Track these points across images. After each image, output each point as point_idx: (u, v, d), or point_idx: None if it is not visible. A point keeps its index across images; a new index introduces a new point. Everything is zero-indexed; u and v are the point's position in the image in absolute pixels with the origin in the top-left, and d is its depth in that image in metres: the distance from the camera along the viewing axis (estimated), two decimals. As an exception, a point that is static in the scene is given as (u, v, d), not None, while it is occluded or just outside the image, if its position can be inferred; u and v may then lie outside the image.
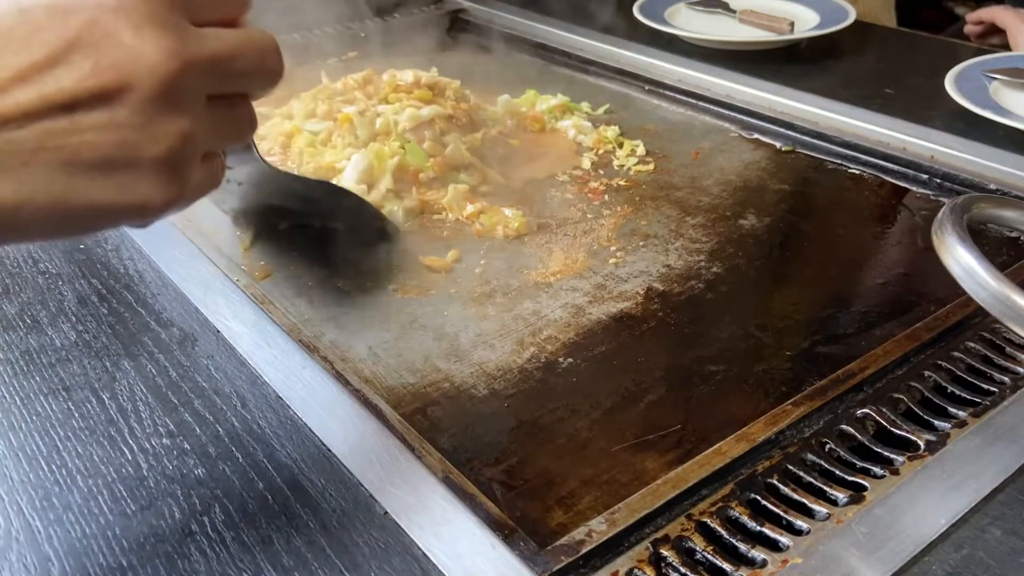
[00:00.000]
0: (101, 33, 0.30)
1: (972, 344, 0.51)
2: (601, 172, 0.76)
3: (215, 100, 0.34)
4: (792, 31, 1.00)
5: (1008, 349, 0.50)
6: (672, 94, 0.91)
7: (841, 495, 0.40)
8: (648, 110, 0.90)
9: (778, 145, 0.81)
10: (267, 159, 0.58)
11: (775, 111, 0.83)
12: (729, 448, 0.43)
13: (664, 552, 0.38)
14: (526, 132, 0.82)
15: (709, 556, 0.38)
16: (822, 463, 0.42)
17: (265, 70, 0.36)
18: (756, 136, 0.82)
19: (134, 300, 0.55)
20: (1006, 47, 1.08)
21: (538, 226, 0.67)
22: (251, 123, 0.38)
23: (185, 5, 0.33)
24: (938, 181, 0.72)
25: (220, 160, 0.37)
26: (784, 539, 0.38)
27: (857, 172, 0.75)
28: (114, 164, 0.31)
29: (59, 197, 0.31)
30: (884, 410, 0.46)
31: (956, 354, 0.50)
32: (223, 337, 0.52)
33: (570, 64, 1.01)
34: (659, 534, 0.39)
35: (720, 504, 0.40)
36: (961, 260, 0.42)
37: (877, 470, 0.42)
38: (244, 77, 0.35)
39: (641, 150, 0.79)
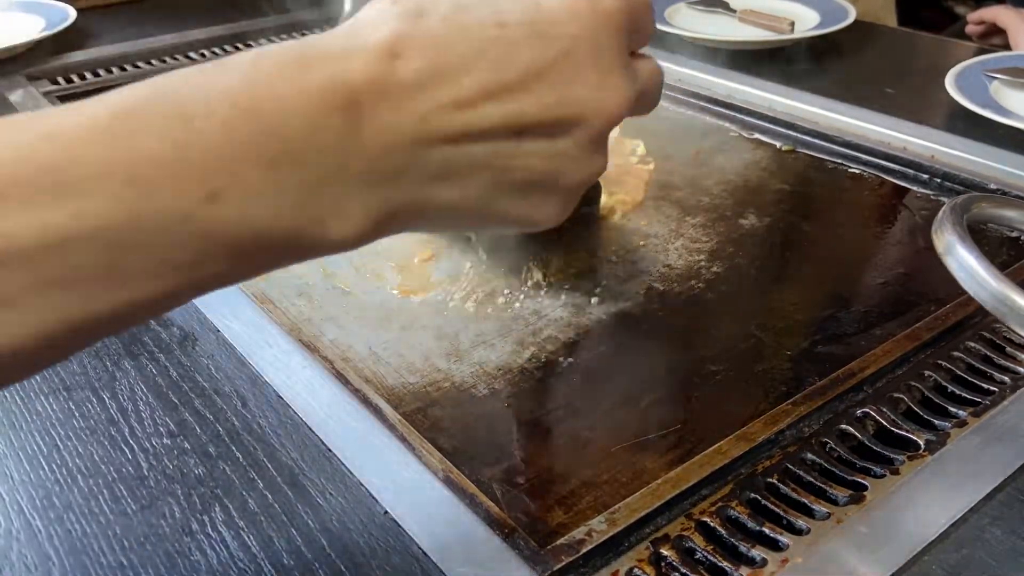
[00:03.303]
0: (572, 67, 0.30)
1: (972, 344, 0.51)
2: (601, 172, 0.76)
3: None
4: (792, 31, 1.00)
5: (1008, 349, 0.50)
6: (672, 94, 0.91)
7: (841, 495, 0.40)
8: (648, 110, 0.90)
9: (778, 145, 0.81)
10: None
11: (775, 111, 0.83)
12: (729, 448, 0.43)
13: (664, 552, 0.38)
14: None
15: (709, 556, 0.38)
16: (822, 463, 0.42)
17: (655, 99, 0.36)
18: (756, 136, 0.82)
19: (134, 300, 0.55)
20: (1007, 47, 1.08)
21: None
22: None
23: (630, 43, 0.33)
24: (938, 181, 0.72)
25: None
26: (784, 539, 0.38)
27: (857, 172, 0.75)
28: (536, 187, 0.32)
29: (479, 208, 0.32)
30: (884, 410, 0.46)
31: (956, 354, 0.50)
32: (223, 336, 0.52)
33: (570, 64, 1.01)
34: (659, 534, 0.39)
35: (720, 504, 0.40)
36: (961, 260, 0.42)
37: (877, 470, 0.42)
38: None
39: (641, 150, 0.79)
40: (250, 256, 0.29)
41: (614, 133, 0.85)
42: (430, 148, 0.29)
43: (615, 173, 0.74)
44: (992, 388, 0.47)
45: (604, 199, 0.70)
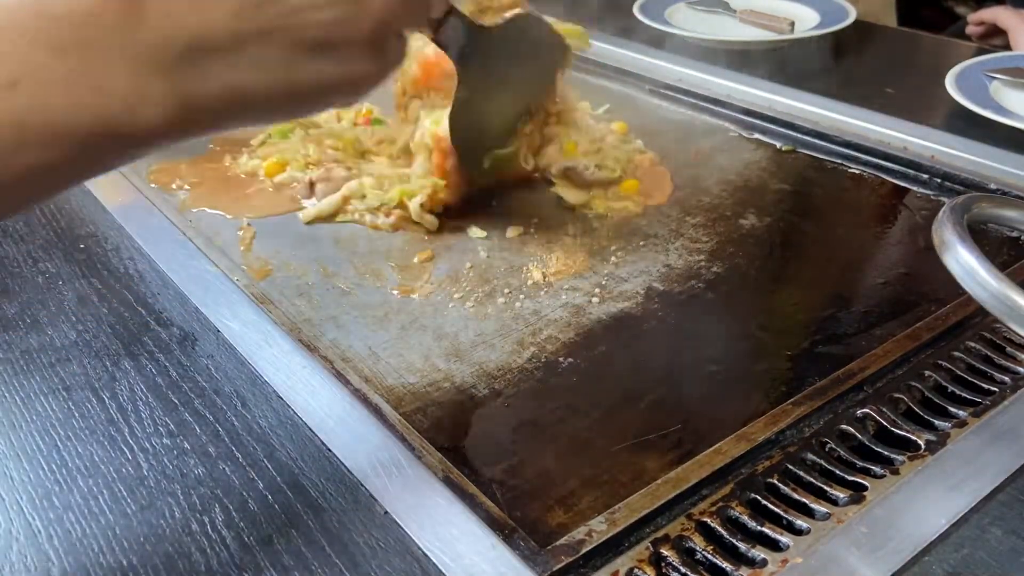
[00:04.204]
0: None
1: (972, 344, 0.51)
2: (601, 172, 0.76)
3: None
4: (792, 31, 1.00)
5: (1008, 349, 0.50)
6: (672, 94, 0.91)
7: (841, 495, 0.40)
8: (648, 110, 0.90)
9: (778, 145, 0.81)
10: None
11: (775, 111, 0.83)
12: (729, 448, 0.43)
13: (664, 552, 0.38)
14: None
15: (709, 556, 0.38)
16: (822, 463, 0.42)
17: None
18: (756, 136, 0.82)
19: (134, 300, 0.55)
20: (1007, 47, 1.08)
21: (537, 226, 0.67)
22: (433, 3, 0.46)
23: None
24: (938, 181, 0.72)
25: (405, 39, 0.41)
26: (784, 539, 0.38)
27: (857, 172, 0.75)
28: (333, 43, 0.35)
29: (285, 78, 0.34)
30: (884, 410, 0.45)
31: (956, 354, 0.50)
32: (223, 337, 0.52)
33: (570, 64, 1.01)
34: (659, 534, 0.39)
35: (720, 504, 0.40)
36: (961, 260, 0.42)
37: (877, 470, 0.42)
38: None
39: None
40: (71, 144, 0.30)
41: (638, 145, 0.79)
42: (215, 23, 0.32)
43: (639, 184, 0.73)
44: (992, 388, 0.47)
45: (622, 205, 0.70)
